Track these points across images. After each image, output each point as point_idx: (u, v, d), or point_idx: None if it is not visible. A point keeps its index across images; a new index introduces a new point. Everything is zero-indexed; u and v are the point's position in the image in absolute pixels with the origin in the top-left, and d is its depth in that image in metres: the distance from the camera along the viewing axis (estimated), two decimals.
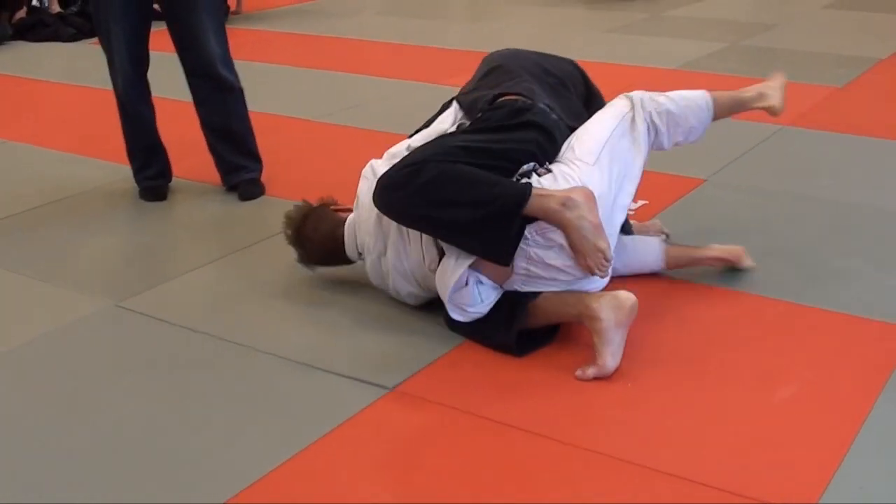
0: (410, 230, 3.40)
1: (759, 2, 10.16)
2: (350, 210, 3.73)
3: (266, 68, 7.41)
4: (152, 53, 4.64)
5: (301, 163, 5.31)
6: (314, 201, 3.83)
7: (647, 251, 3.76)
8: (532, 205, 3.14)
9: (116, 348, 3.42)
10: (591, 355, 3.14)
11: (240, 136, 4.78)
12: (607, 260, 3.19)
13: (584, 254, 3.17)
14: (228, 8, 8.52)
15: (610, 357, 3.10)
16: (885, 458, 2.73)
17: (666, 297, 3.67)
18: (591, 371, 3.11)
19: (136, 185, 4.82)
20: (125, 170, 4.88)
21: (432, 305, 3.51)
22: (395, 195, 3.26)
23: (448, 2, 11.29)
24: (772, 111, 3.79)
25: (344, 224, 3.71)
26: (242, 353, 3.36)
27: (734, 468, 2.68)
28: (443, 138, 3.47)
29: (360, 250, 3.65)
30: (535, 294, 3.28)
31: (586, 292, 3.26)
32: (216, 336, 3.46)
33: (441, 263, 3.30)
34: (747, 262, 3.79)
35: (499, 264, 3.23)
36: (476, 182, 3.19)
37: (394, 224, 3.43)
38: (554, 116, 3.49)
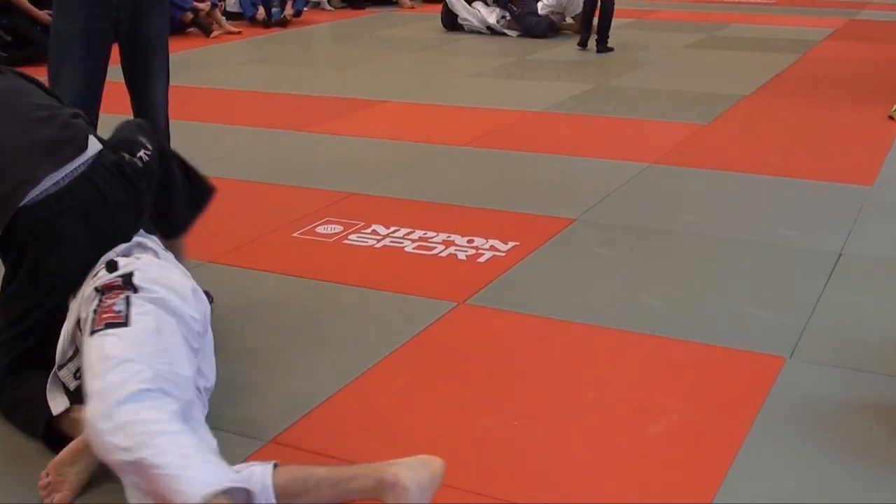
0: None
1: (622, 44, 10.34)
2: None
3: None
4: None
5: None
6: None
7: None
8: None
9: None
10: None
11: None
12: None
13: None
14: None
15: None
16: (759, 486, 2.76)
17: (534, 334, 3.69)
18: None
19: None
20: None
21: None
22: None
23: (315, 50, 11.29)
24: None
25: None
26: None
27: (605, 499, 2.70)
28: None
29: None
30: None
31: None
32: None
33: None
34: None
35: None
36: None
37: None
38: None
